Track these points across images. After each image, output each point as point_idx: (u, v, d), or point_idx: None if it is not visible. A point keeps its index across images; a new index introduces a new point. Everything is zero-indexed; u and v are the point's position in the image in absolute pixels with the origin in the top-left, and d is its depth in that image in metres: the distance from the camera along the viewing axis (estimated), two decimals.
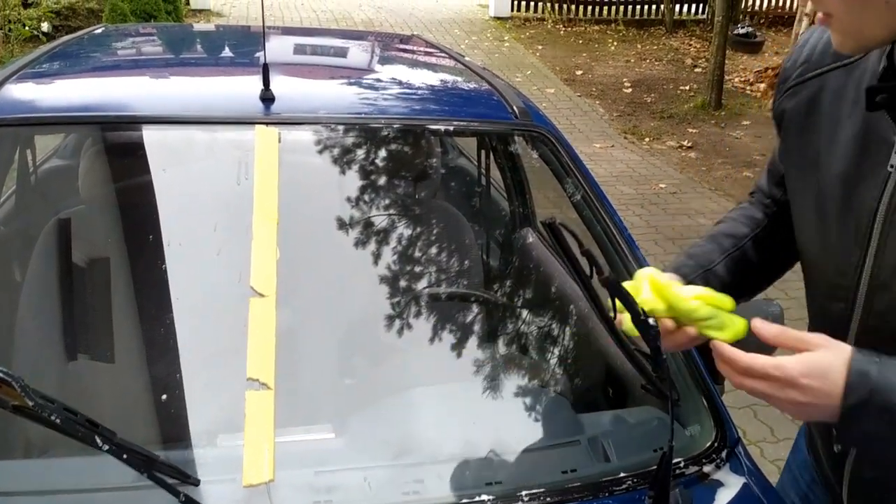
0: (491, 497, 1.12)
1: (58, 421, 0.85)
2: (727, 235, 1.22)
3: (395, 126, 1.65)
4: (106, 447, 0.89)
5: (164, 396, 1.32)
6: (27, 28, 7.37)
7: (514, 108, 1.73)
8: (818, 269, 1.07)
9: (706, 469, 1.24)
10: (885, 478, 1.07)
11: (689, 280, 1.13)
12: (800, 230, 1.11)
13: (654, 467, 1.14)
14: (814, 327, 1.09)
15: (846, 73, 1.01)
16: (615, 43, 10.49)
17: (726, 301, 1.02)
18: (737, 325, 0.99)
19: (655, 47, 10.37)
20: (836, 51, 0.97)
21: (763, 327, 0.93)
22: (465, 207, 2.08)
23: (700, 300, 1.00)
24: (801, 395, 0.86)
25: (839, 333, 0.98)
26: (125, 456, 0.90)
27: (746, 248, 1.21)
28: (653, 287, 1.02)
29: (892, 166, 0.94)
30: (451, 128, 1.69)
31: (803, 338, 0.91)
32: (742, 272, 1.20)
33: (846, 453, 1.11)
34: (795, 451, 1.39)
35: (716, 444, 1.28)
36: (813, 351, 0.88)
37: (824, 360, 0.87)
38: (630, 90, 8.47)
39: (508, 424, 1.33)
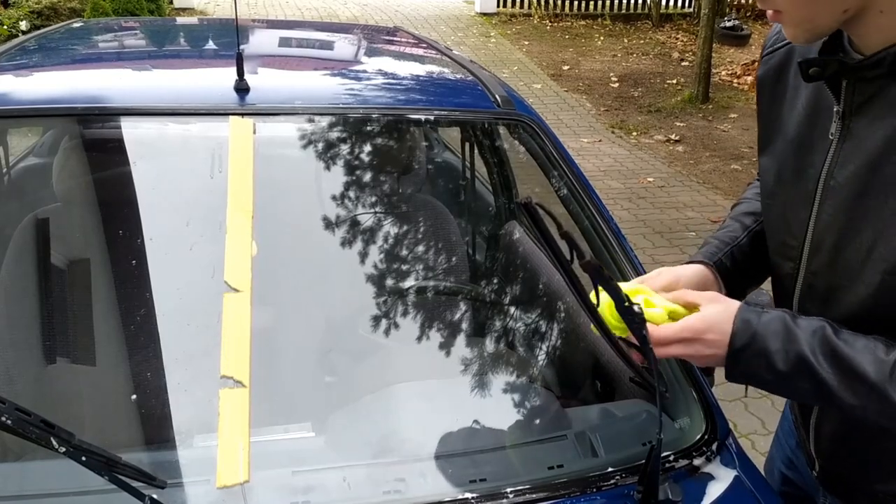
0: (475, 495, 1.09)
1: (8, 422, 0.80)
2: (747, 213, 1.28)
3: (374, 116, 1.60)
4: (63, 449, 0.84)
5: (137, 398, 1.28)
6: (5, 27, 7.28)
7: (497, 97, 1.69)
8: (776, 229, 1.14)
9: (696, 462, 1.21)
10: (840, 431, 1.15)
11: (717, 258, 1.21)
12: (763, 192, 1.17)
13: (643, 461, 1.11)
14: (773, 286, 1.19)
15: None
16: (602, 38, 10.48)
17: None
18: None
19: (642, 41, 10.36)
20: None
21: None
22: (449, 201, 2.05)
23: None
24: (706, 347, 0.99)
25: (788, 292, 1.10)
26: (84, 458, 0.86)
27: None
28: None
29: (831, 134, 1.00)
30: (433, 117, 1.65)
31: (697, 296, 1.04)
32: (765, 245, 1.24)
33: (811, 409, 1.18)
34: (783, 420, 1.46)
35: (706, 437, 1.25)
36: (706, 306, 1.01)
37: (718, 315, 1.00)
38: (617, 85, 8.45)
39: (493, 420, 1.30)
